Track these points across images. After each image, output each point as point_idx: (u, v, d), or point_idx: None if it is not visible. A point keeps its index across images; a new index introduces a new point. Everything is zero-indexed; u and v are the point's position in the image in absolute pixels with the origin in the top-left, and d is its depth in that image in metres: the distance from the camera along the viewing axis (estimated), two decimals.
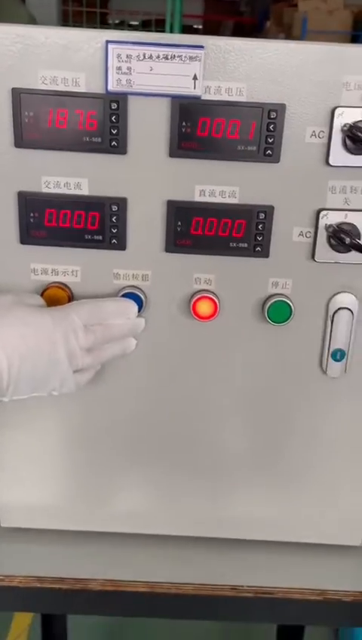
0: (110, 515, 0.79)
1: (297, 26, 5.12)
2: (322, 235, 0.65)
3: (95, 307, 0.64)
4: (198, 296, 0.68)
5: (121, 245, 0.66)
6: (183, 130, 0.62)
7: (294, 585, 0.74)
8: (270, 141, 0.62)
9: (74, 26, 4.14)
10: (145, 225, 0.66)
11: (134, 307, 0.66)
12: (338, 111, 0.61)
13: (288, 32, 5.29)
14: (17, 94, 0.60)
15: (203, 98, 0.61)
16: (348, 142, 0.62)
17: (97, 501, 0.78)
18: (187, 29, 5.58)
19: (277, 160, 0.63)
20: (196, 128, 0.61)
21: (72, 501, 0.78)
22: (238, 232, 0.66)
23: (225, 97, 0.61)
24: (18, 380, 0.57)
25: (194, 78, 0.60)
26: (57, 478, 0.77)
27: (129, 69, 0.60)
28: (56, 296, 0.67)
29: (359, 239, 0.65)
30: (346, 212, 0.64)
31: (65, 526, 0.79)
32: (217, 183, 0.64)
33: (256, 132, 0.62)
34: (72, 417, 0.74)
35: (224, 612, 0.76)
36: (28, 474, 0.77)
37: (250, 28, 6.89)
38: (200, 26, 6.66)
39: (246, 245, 0.66)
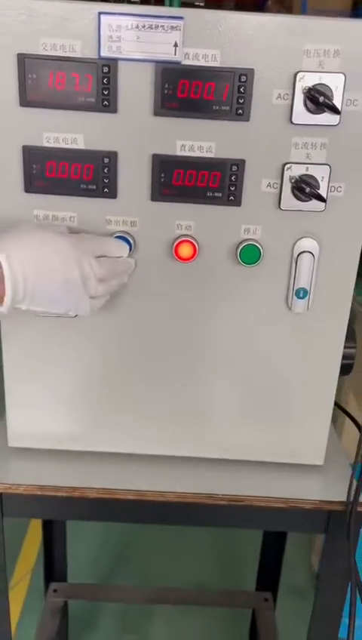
0: (106, 437, 0.90)
1: (297, 5, 5.10)
2: (287, 186, 0.75)
3: (102, 242, 0.75)
4: (180, 240, 0.78)
5: (112, 194, 0.76)
6: (166, 91, 0.71)
7: (262, 494, 0.86)
8: (241, 102, 0.71)
9: None
10: (134, 176, 0.75)
11: (127, 247, 0.76)
12: (299, 75, 0.70)
13: (288, 11, 5.27)
14: (22, 59, 0.70)
15: (182, 63, 0.70)
16: (309, 103, 0.71)
17: (95, 425, 0.90)
18: (187, 7, 5.55)
19: (247, 119, 0.72)
20: (177, 90, 0.71)
21: (73, 424, 0.89)
22: (214, 182, 0.75)
23: (201, 63, 0.70)
24: (34, 292, 0.68)
25: (175, 45, 0.69)
26: (61, 403, 0.88)
27: (119, 37, 0.69)
28: None
29: (318, 189, 0.74)
30: (307, 165, 0.74)
31: (67, 447, 0.90)
32: (196, 139, 0.74)
33: (228, 94, 0.71)
34: (73, 347, 0.84)
35: (201, 517, 0.88)
36: (35, 398, 0.88)
37: (252, 6, 6.85)
38: (202, 3, 6.61)
39: (220, 195, 0.76)
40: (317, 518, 0.87)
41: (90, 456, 0.91)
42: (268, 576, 1.50)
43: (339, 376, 0.95)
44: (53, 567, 1.49)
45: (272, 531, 1.44)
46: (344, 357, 0.93)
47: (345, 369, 0.97)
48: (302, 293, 0.81)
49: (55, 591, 1.47)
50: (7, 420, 0.90)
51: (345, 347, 0.90)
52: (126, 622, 1.78)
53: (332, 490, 0.88)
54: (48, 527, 1.45)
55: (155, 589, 1.57)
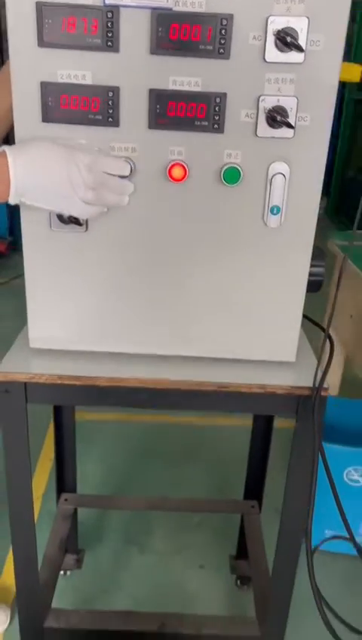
0: (112, 339, 1.06)
1: None
2: (262, 116, 0.90)
3: (100, 157, 0.90)
4: (172, 163, 0.93)
5: (115, 123, 0.91)
6: (160, 34, 0.85)
7: (243, 381, 1.03)
8: (222, 42, 0.86)
9: None
10: (133, 108, 0.90)
11: (127, 166, 0.91)
12: (270, 19, 0.84)
13: None
14: (40, 7, 0.84)
15: (174, 10, 0.84)
16: (279, 43, 0.86)
17: (103, 329, 1.06)
18: None
19: (228, 57, 0.87)
20: (169, 33, 0.85)
21: (85, 329, 1.06)
22: (201, 113, 0.90)
23: (189, 9, 0.84)
24: (32, 187, 0.86)
25: None
26: (75, 309, 1.04)
27: None
28: None
29: (288, 119, 0.89)
30: (278, 97, 0.89)
31: (79, 347, 1.07)
32: (185, 75, 0.88)
33: (212, 36, 0.85)
34: (85, 258, 1.00)
35: (191, 402, 1.05)
36: (52, 305, 1.04)
37: None
38: None
39: (206, 124, 0.91)
40: (289, 403, 1.05)
41: (99, 355, 1.07)
42: (254, 488, 1.70)
43: (309, 292, 1.11)
44: (64, 480, 1.68)
45: (257, 448, 1.64)
46: (313, 274, 1.10)
47: (315, 286, 1.13)
48: (275, 210, 0.97)
49: (66, 500, 1.66)
50: (29, 325, 1.06)
51: (313, 265, 1.07)
52: (129, 535, 1.98)
53: (302, 379, 1.05)
54: (60, 445, 1.63)
55: (154, 498, 1.76)
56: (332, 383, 1.98)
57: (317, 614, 0.97)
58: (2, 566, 1.85)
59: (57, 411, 1.57)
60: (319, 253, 1.12)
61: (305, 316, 1.14)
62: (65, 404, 1.36)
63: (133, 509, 1.79)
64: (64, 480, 1.69)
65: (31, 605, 1.26)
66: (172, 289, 1.03)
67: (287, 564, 1.14)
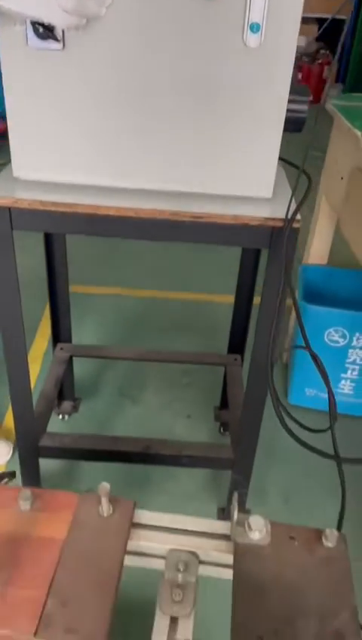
0: (93, 171, 1.10)
1: None
2: None
3: None
4: None
5: None
6: None
7: (217, 212, 1.07)
8: None
9: None
10: None
11: None
12: None
13: None
14: None
15: None
16: None
17: (86, 160, 1.09)
18: None
19: None
20: None
21: (67, 159, 1.09)
22: None
23: None
24: None
25: None
26: (56, 138, 1.06)
27: None
28: None
29: None
30: None
31: (61, 179, 1.10)
32: None
33: None
34: (65, 79, 1.01)
35: (169, 233, 1.11)
36: (34, 133, 1.06)
37: None
38: None
39: None
40: (262, 235, 1.10)
41: (81, 188, 1.11)
42: (237, 343, 1.80)
43: (291, 132, 1.12)
44: (59, 331, 1.79)
45: (241, 305, 1.72)
46: (293, 111, 1.10)
47: (296, 124, 1.13)
48: (255, 28, 0.95)
49: (61, 349, 1.79)
50: (12, 153, 1.09)
51: (294, 101, 1.06)
52: (123, 389, 2.14)
53: (276, 212, 1.09)
54: (53, 294, 1.71)
55: (145, 350, 1.88)
56: (321, 251, 2.02)
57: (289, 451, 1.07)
58: (4, 414, 2.02)
59: (49, 254, 1.62)
60: (302, 89, 1.11)
61: (281, 158, 1.16)
62: (49, 230, 1.41)
63: (125, 359, 1.91)
64: (59, 330, 1.80)
65: (27, 426, 1.41)
66: (151, 119, 1.04)
67: (258, 386, 1.24)
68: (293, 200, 1.09)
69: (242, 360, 1.80)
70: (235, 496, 0.75)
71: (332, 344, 1.91)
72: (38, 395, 1.64)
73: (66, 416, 1.95)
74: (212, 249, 3.19)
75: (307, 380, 2.03)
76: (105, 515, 0.77)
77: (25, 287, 1.21)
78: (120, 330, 2.48)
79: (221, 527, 0.78)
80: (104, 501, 0.76)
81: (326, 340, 1.91)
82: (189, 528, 0.78)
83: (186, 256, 3.03)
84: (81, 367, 2.14)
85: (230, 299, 1.80)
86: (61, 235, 1.60)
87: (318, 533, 0.76)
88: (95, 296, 2.68)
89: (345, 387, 2.01)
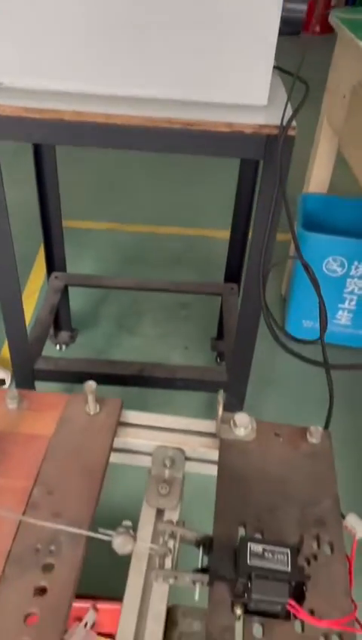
0: (79, 78, 1.04)
1: None
2: None
3: None
4: None
5: None
6: None
7: (211, 119, 1.03)
8: None
9: None
10: None
11: None
12: None
13: None
14: None
15: None
16: None
17: (73, 65, 1.03)
18: None
19: None
20: None
21: (51, 63, 1.03)
22: None
23: None
24: None
25: None
26: (41, 41, 1.01)
27: None
28: None
29: None
30: None
31: (45, 86, 1.05)
32: None
33: None
34: None
35: (160, 142, 1.06)
36: (22, 29, 1.00)
37: None
38: None
39: None
40: (256, 144, 1.05)
41: (64, 95, 1.06)
42: (234, 272, 1.78)
43: (288, 35, 1.05)
44: (53, 259, 1.77)
45: (237, 233, 1.68)
46: (289, 10, 1.03)
47: (293, 25, 1.07)
48: None
49: (56, 277, 1.77)
50: None
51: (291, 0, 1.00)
52: (120, 321, 2.14)
53: (271, 119, 1.04)
54: (46, 227, 1.68)
55: (142, 280, 1.87)
56: (322, 178, 1.96)
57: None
58: (2, 346, 2.03)
59: (40, 179, 1.58)
60: None
61: (277, 67, 1.10)
62: (33, 140, 1.36)
63: (121, 288, 1.90)
64: (53, 260, 1.78)
65: (21, 349, 1.41)
66: (142, 22, 0.98)
67: (252, 297, 1.22)
68: (289, 107, 1.04)
69: (239, 290, 1.79)
70: (221, 393, 0.75)
71: (330, 274, 1.89)
72: (33, 321, 1.63)
73: (64, 347, 1.96)
74: (207, 181, 3.12)
75: (304, 312, 2.02)
76: (91, 412, 0.77)
77: (19, 223, 1.18)
78: (116, 265, 2.45)
79: (207, 425, 0.79)
80: (90, 399, 0.76)
81: (324, 269, 1.88)
82: (176, 427, 0.79)
83: (181, 191, 2.96)
84: (77, 299, 2.13)
85: (226, 234, 1.77)
86: (52, 157, 1.55)
87: (303, 431, 0.76)
88: (90, 231, 2.64)
89: (342, 318, 2.00)
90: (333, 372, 0.88)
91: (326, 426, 0.78)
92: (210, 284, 1.87)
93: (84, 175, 3.03)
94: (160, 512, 0.74)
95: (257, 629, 0.57)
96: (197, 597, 0.54)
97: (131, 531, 0.60)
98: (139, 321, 2.16)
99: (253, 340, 1.31)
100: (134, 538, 0.60)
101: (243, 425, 0.75)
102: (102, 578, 0.93)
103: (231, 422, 0.76)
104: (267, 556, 0.56)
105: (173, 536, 0.59)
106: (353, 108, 1.55)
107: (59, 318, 1.89)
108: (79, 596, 1.18)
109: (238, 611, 0.57)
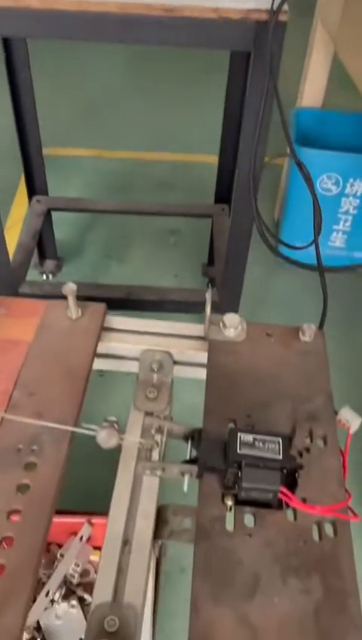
0: None
1: None
2: None
3: None
4: None
5: None
6: None
7: (193, 4, 0.93)
8: None
9: None
10: None
11: None
12: None
13: None
14: None
15: None
16: None
17: None
18: None
19: None
20: None
21: None
22: None
23: None
24: None
25: None
26: None
27: None
28: None
29: None
30: None
31: None
32: None
33: None
34: None
35: (138, 32, 0.97)
36: None
37: None
38: None
39: None
40: (245, 32, 0.96)
41: None
42: (224, 192, 1.71)
43: None
44: (33, 182, 1.68)
45: (227, 150, 1.59)
46: None
47: None
48: None
49: (38, 201, 1.69)
50: None
51: None
52: (107, 250, 2.08)
53: (261, 3, 0.94)
54: (25, 149, 1.58)
55: (128, 203, 1.79)
56: (316, 90, 1.85)
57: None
58: None
59: (15, 96, 1.47)
60: None
61: None
62: (2, 34, 1.25)
63: (106, 212, 1.83)
64: (34, 182, 1.69)
65: (4, 274, 1.36)
66: None
67: (243, 202, 1.16)
68: None
69: (229, 211, 1.72)
70: (209, 291, 0.71)
71: (324, 193, 1.82)
72: (16, 247, 1.57)
73: (50, 276, 1.91)
74: (197, 101, 2.95)
75: (297, 234, 1.94)
76: (73, 317, 0.73)
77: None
78: (102, 193, 2.35)
79: (196, 329, 0.75)
80: (71, 301, 0.72)
81: (318, 188, 1.81)
82: (163, 331, 0.75)
83: (170, 115, 2.82)
84: (63, 228, 2.05)
85: (214, 159, 1.68)
86: (24, 63, 1.43)
87: (296, 330, 0.73)
88: (74, 159, 2.52)
89: (336, 240, 1.94)
90: (330, 287, 0.84)
91: (320, 326, 0.75)
92: (200, 205, 1.80)
93: (66, 99, 2.88)
94: (148, 416, 0.72)
95: (248, 519, 0.55)
96: (185, 488, 0.52)
97: (116, 425, 0.58)
98: (127, 249, 2.09)
99: (245, 251, 1.26)
100: (119, 432, 0.58)
101: (232, 325, 0.71)
102: (98, 494, 0.93)
103: (221, 323, 0.72)
104: (258, 445, 0.54)
105: (160, 430, 0.57)
106: (349, 5, 1.43)
107: (43, 245, 1.83)
108: (75, 512, 1.19)
109: (229, 502, 0.55)
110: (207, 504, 0.55)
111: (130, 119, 2.77)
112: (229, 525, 0.54)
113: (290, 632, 0.47)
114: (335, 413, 0.66)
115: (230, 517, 0.55)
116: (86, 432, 0.56)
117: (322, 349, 0.71)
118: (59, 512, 1.22)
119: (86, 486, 1.15)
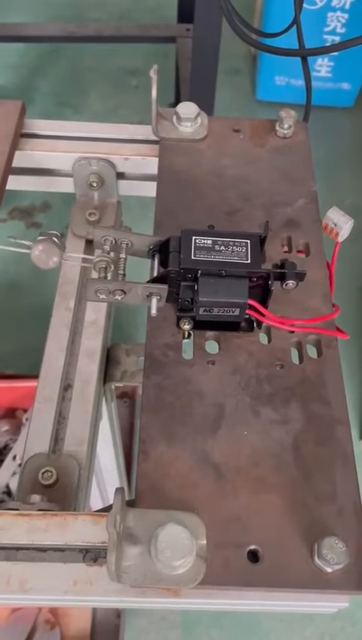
0: None
1: None
2: None
3: None
4: None
5: None
6: None
7: None
8: None
9: None
10: None
11: None
12: None
13: None
14: None
15: None
16: None
17: None
18: None
19: None
20: None
21: None
22: None
23: None
24: None
25: None
26: None
27: None
28: None
29: None
30: None
31: None
32: None
33: None
34: None
35: None
36: None
37: None
38: None
39: None
40: None
41: None
42: (188, 9, 1.42)
43: None
44: None
45: None
46: None
47: None
48: None
49: None
50: None
51: None
52: (61, 97, 1.81)
53: None
54: None
55: (74, 26, 1.49)
56: None
57: None
58: None
59: None
60: None
61: None
62: None
63: (47, 40, 1.52)
64: None
65: None
66: None
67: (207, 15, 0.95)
68: None
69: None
70: (155, 67, 0.53)
71: (307, 6, 1.53)
72: None
73: None
74: None
75: (276, 66, 1.70)
76: None
77: None
78: None
79: (143, 131, 0.59)
80: None
81: None
82: (100, 135, 0.58)
83: None
84: (5, 73, 1.76)
85: None
86: None
87: (272, 124, 0.57)
88: None
89: (322, 69, 1.69)
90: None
91: (304, 119, 0.59)
92: (160, 25, 1.51)
93: None
94: (89, 243, 0.58)
95: (211, 346, 0.44)
96: (154, 311, 0.40)
97: (56, 239, 0.44)
98: (83, 95, 1.82)
99: (213, 68, 1.05)
100: (60, 247, 0.44)
101: (189, 117, 0.55)
102: None
103: (174, 117, 0.56)
104: (219, 249, 0.40)
105: (116, 247, 0.43)
106: None
107: None
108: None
109: (186, 326, 0.43)
110: (158, 331, 0.43)
111: None
112: (188, 355, 0.43)
113: (264, 469, 0.38)
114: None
115: (189, 345, 0.44)
116: (18, 249, 0.42)
117: (306, 145, 0.56)
118: (25, 377, 1.14)
119: None
